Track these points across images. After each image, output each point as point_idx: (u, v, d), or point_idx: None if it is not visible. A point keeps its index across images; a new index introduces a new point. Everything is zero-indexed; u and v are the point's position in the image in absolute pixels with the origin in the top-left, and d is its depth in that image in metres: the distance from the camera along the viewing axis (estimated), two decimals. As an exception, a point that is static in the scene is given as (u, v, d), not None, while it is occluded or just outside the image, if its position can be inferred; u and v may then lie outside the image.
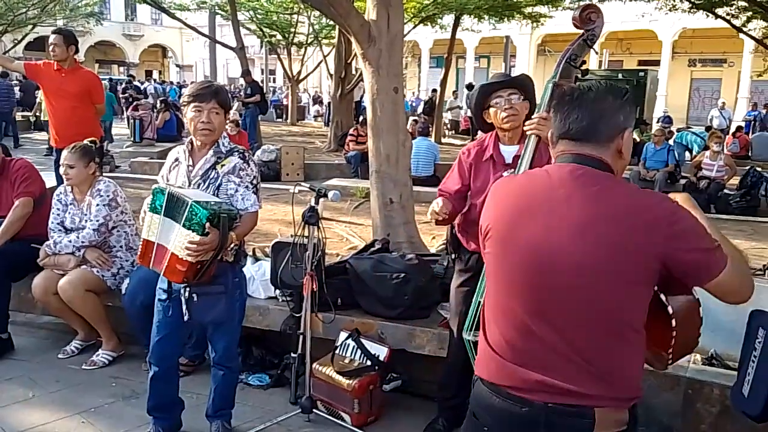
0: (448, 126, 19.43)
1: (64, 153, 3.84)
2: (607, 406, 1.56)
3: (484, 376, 1.68)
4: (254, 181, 2.85)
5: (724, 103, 18.83)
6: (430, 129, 14.32)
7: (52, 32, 5.41)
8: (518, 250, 1.60)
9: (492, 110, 2.88)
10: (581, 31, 2.52)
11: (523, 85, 2.87)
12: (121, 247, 3.98)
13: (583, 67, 2.53)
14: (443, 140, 16.76)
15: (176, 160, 2.91)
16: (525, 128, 2.55)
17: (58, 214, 3.95)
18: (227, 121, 2.89)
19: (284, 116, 24.17)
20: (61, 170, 3.84)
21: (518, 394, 1.59)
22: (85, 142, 3.93)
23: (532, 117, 2.56)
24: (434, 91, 19.38)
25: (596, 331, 1.55)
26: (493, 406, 1.64)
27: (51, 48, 5.24)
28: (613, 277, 1.53)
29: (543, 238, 1.57)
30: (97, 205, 3.83)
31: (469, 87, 18.39)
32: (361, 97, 16.69)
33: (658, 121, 15.75)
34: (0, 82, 14.63)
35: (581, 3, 14.17)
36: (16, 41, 26.04)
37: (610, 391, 1.56)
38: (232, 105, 2.99)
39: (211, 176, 2.79)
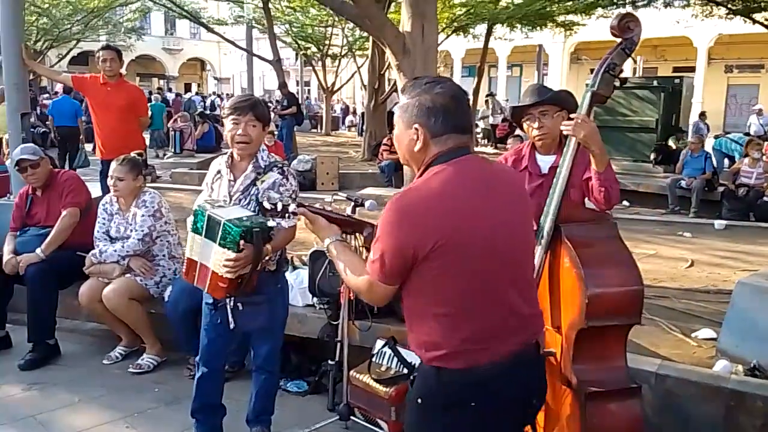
0: (481, 135, 19.37)
1: (113, 165, 3.95)
2: (542, 332, 2.02)
3: (462, 365, 1.78)
4: (293, 195, 2.89)
5: (761, 109, 18.35)
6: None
7: (102, 48, 5.52)
8: (483, 244, 1.75)
9: (525, 125, 2.92)
10: (618, 40, 2.52)
11: (554, 101, 2.85)
12: (164, 255, 4.09)
13: (621, 75, 2.53)
14: (476, 149, 16.74)
15: (218, 172, 2.98)
16: (561, 128, 2.56)
17: (104, 224, 4.08)
18: (265, 134, 2.95)
19: (319, 127, 24.41)
20: (110, 182, 3.95)
21: (498, 361, 1.80)
22: (133, 154, 4.05)
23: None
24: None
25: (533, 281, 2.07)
26: (478, 382, 1.79)
27: (107, 64, 5.35)
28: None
29: (498, 226, 1.78)
30: (142, 215, 3.94)
31: (490, 95, 18.59)
32: (395, 106, 16.75)
33: (693, 129, 15.47)
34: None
35: (615, 11, 14.06)
36: (60, 56, 26.87)
37: (542, 321, 2.02)
38: (270, 118, 3.04)
39: (252, 192, 2.86)
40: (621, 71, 2.51)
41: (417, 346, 1.85)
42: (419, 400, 1.87)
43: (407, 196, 1.78)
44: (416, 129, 1.79)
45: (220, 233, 2.63)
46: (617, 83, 2.52)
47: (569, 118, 2.52)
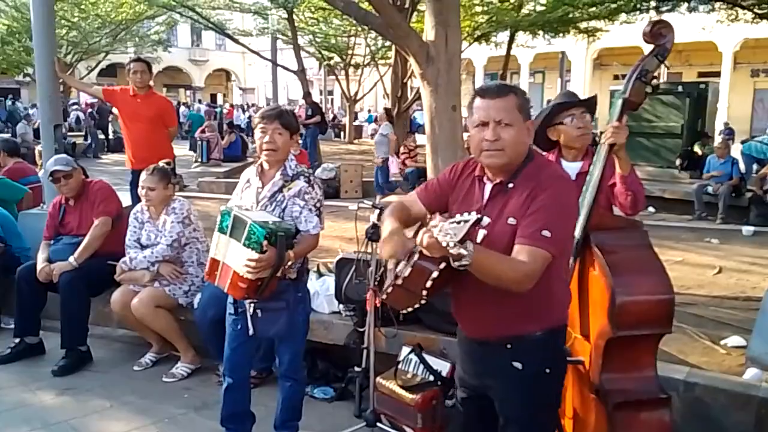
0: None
1: (144, 176, 4.03)
2: None
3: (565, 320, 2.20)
4: (318, 204, 2.95)
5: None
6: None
7: (133, 60, 5.64)
8: None
9: (562, 127, 2.88)
10: (650, 46, 2.53)
11: (592, 106, 2.90)
12: (192, 262, 4.15)
13: (653, 82, 2.53)
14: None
15: (248, 180, 3.05)
16: (602, 139, 2.56)
17: (135, 231, 4.16)
18: (292, 144, 3.01)
19: (342, 135, 24.56)
20: (141, 192, 4.03)
21: None
22: (161, 164, 4.13)
23: (606, 127, 2.56)
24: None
25: None
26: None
27: (137, 75, 5.47)
28: None
29: None
30: (172, 222, 4.01)
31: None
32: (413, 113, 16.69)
33: (719, 134, 15.24)
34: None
35: (638, 16, 13.86)
36: (90, 68, 27.38)
37: None
38: (298, 128, 3.10)
39: (278, 199, 2.91)
40: (653, 78, 2.51)
41: (539, 317, 2.05)
42: (548, 371, 2.08)
43: (565, 175, 2.16)
44: (530, 124, 2.07)
45: (245, 233, 2.69)
46: (649, 90, 2.52)
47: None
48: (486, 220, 1.98)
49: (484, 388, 2.19)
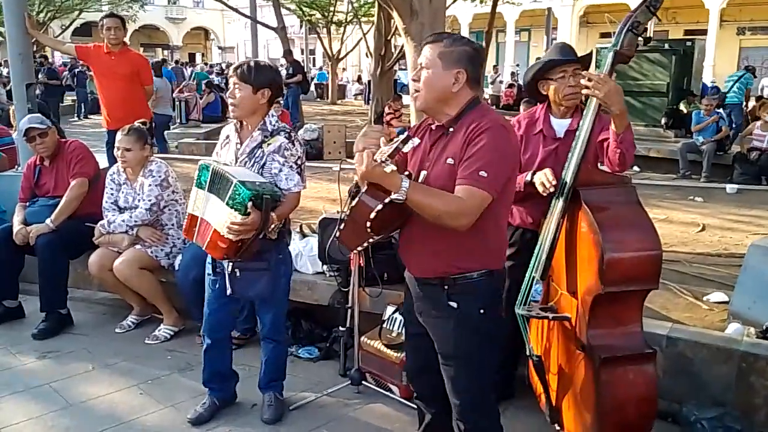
0: (489, 101, 19.18)
1: (119, 136, 3.92)
2: None
3: (504, 264, 2.26)
4: (299, 161, 2.87)
5: (773, 71, 18.04)
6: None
7: (106, 16, 5.49)
8: None
9: (553, 83, 2.80)
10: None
11: (587, 63, 2.81)
12: (172, 225, 4.08)
13: (645, 34, 2.46)
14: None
15: (227, 137, 2.97)
16: (582, 90, 2.50)
17: (112, 194, 4.07)
18: (262, 99, 2.81)
19: (325, 95, 24.27)
20: (117, 153, 3.93)
21: None
22: (137, 124, 4.02)
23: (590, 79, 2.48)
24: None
25: None
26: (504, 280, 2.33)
27: (112, 32, 5.32)
28: None
29: None
30: (150, 185, 3.93)
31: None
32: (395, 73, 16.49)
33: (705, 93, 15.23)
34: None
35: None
36: (63, 27, 26.73)
37: None
38: (267, 84, 2.90)
39: (257, 155, 2.83)
40: (644, 30, 2.45)
41: (474, 257, 2.13)
42: (482, 311, 2.15)
43: (504, 123, 2.10)
44: (458, 72, 2.06)
45: (229, 192, 2.61)
46: (641, 41, 2.45)
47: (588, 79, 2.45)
48: (416, 141, 2.02)
49: (425, 325, 2.30)
